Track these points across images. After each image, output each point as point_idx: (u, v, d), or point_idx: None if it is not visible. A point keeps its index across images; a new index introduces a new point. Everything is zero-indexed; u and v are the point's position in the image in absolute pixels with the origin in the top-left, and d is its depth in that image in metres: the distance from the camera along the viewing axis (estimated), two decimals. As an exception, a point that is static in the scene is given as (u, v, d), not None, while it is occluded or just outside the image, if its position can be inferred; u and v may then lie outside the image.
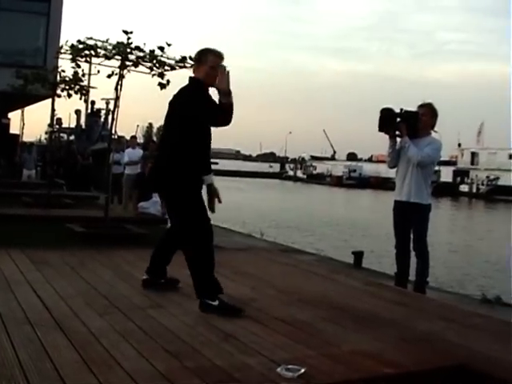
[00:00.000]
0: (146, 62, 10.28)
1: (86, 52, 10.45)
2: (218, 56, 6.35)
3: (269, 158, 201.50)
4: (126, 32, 10.05)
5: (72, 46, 10.47)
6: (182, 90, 6.39)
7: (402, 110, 8.43)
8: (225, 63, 6.28)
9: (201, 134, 6.30)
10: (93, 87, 24.90)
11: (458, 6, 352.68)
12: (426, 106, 8.59)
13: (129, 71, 10.47)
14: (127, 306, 6.00)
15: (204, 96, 6.26)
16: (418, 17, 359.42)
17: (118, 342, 4.82)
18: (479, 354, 5.14)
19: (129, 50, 10.15)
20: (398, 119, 8.40)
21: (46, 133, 35.29)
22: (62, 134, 35.36)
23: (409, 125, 8.35)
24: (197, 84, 6.34)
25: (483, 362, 4.91)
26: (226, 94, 6.08)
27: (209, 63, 6.30)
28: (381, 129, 8.47)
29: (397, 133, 8.50)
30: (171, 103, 6.37)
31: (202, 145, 6.34)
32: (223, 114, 6.22)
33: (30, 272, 7.47)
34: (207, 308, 5.94)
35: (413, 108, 8.55)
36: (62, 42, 11.33)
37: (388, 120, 8.38)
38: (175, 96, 6.39)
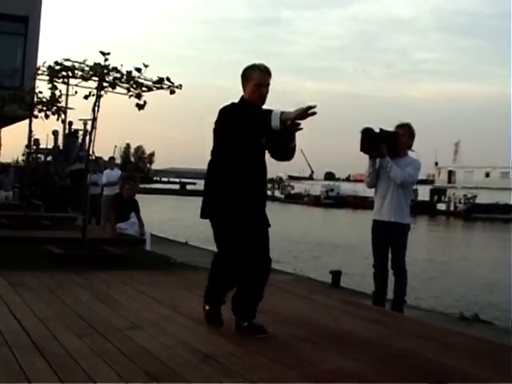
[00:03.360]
0: (123, 83, 10.28)
1: (64, 73, 10.44)
2: (265, 72, 5.95)
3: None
4: (103, 53, 10.06)
5: (49, 68, 10.46)
6: (224, 107, 5.95)
7: (381, 130, 8.47)
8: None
9: (240, 152, 5.80)
10: (70, 108, 24.89)
11: (432, 27, 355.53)
12: (405, 127, 8.66)
13: (106, 92, 10.47)
14: (106, 328, 5.99)
15: (238, 111, 5.79)
16: (393, 37, 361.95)
17: (97, 363, 4.80)
18: (456, 371, 5.17)
19: (106, 71, 10.16)
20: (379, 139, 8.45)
21: (23, 154, 35.22)
22: (39, 155, 35.29)
23: (388, 145, 8.40)
24: (240, 102, 5.94)
25: (460, 379, 4.94)
26: (289, 136, 5.62)
27: (254, 80, 5.89)
28: (363, 149, 8.49)
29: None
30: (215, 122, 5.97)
31: (243, 163, 5.83)
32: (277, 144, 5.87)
33: (8, 294, 7.43)
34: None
35: (390, 128, 8.62)
36: (39, 62, 11.33)
37: (370, 140, 8.41)
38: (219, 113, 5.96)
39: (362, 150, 8.49)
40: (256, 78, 5.89)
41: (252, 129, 5.68)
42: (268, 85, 5.94)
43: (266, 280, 6.07)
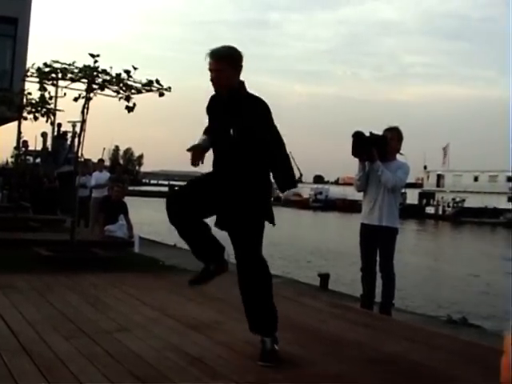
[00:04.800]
0: (112, 85, 10.29)
1: (53, 75, 10.44)
2: (209, 57, 5.41)
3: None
4: (92, 55, 10.07)
5: (38, 69, 10.45)
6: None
7: (371, 133, 8.48)
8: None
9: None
10: (59, 110, 24.74)
11: (420, 30, 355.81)
12: (393, 130, 8.67)
13: (95, 94, 10.47)
14: (94, 330, 5.99)
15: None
16: (382, 40, 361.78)
17: (85, 366, 4.80)
18: (444, 374, 5.19)
19: (95, 73, 10.16)
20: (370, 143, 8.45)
21: (12, 156, 35.10)
22: (28, 157, 35.14)
23: (378, 149, 8.41)
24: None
25: (447, 382, 4.97)
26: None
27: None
28: (354, 153, 8.48)
29: None
30: None
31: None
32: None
33: (-5, 296, 7.42)
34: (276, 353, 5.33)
35: (379, 131, 8.63)
36: (28, 64, 11.33)
37: (361, 144, 8.41)
38: None
39: (353, 154, 8.49)
40: (208, 63, 5.45)
41: None
42: (214, 70, 5.40)
43: (252, 284, 5.50)
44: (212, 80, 5.46)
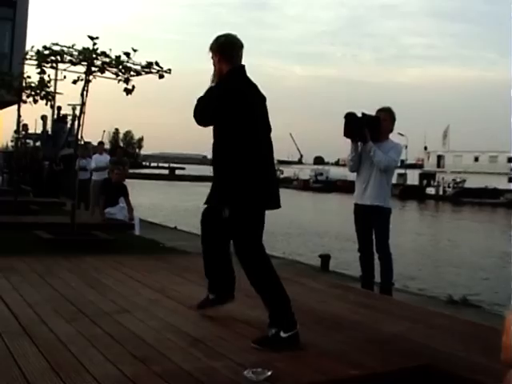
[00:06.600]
0: (111, 67, 10.27)
1: (52, 58, 10.41)
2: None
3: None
4: (91, 37, 10.04)
5: (37, 52, 10.42)
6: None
7: (363, 114, 8.50)
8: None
9: None
10: (59, 93, 24.80)
11: (421, 11, 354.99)
12: (386, 111, 8.70)
13: (94, 77, 10.45)
14: (94, 312, 6.00)
15: None
16: (382, 22, 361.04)
17: (86, 347, 4.81)
18: (444, 354, 5.19)
19: (94, 56, 10.14)
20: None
21: (12, 140, 35.09)
22: (28, 140, 35.16)
23: (371, 129, 8.43)
24: None
25: (448, 362, 4.97)
26: None
27: None
28: (346, 134, 8.51)
29: None
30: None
31: None
32: None
33: (-4, 279, 7.43)
34: (279, 340, 5.14)
35: (372, 112, 8.64)
36: (27, 47, 11.29)
37: (353, 125, 8.43)
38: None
39: (345, 134, 8.52)
40: None
41: None
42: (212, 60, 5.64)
43: (247, 274, 5.52)
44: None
